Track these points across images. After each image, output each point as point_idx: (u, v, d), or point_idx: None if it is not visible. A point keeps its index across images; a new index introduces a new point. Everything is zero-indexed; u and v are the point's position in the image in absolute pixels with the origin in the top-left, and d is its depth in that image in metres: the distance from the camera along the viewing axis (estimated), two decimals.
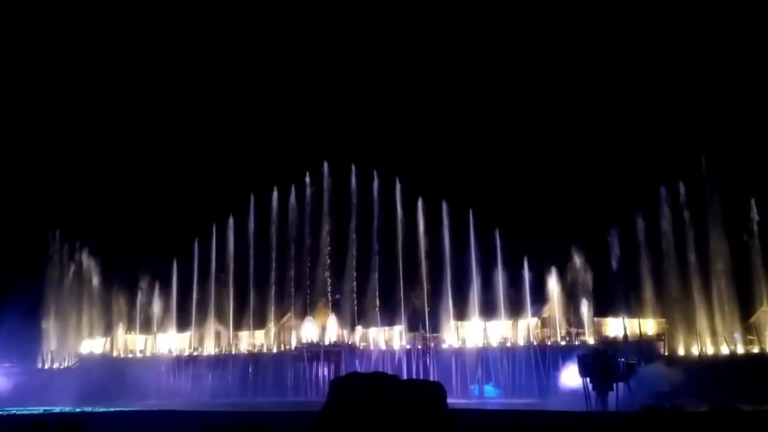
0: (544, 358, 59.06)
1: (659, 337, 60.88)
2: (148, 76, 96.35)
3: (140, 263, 78.34)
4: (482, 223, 67.01)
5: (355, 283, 68.78)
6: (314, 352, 65.59)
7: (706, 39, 77.14)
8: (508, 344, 62.32)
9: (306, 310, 70.15)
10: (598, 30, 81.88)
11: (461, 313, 65.24)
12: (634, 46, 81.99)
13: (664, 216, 63.85)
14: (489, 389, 61.03)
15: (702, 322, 60.86)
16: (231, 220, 76.52)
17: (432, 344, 63.73)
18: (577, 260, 63.62)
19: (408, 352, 64.05)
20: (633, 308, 61.34)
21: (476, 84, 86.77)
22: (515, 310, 64.14)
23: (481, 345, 62.53)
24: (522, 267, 64.33)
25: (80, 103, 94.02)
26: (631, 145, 67.21)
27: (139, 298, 76.78)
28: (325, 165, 73.84)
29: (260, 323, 72.66)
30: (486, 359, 61.51)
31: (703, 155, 63.53)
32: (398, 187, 70.87)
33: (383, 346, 66.08)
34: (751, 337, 60.08)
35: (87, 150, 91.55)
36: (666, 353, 59.13)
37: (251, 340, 72.14)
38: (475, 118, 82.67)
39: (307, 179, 74.28)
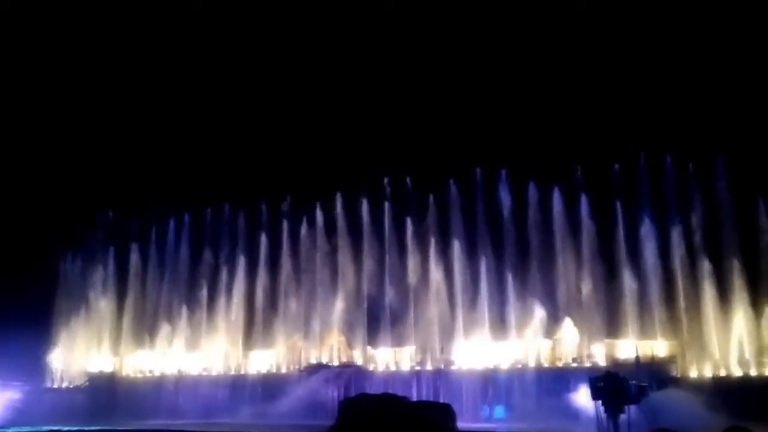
0: (555, 380, 58.46)
1: (671, 359, 60.32)
2: (146, 85, 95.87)
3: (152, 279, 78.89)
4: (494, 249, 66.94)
5: (365, 303, 68.54)
6: (323, 373, 65.19)
7: (718, 37, 75.95)
8: (519, 366, 61.84)
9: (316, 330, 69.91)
10: (601, 31, 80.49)
11: (471, 334, 64.81)
12: (643, 46, 79.98)
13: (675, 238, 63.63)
14: (499, 411, 60.53)
15: (715, 343, 60.35)
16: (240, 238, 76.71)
17: (442, 365, 63.27)
18: (588, 281, 63.48)
19: (418, 374, 63.64)
20: (644, 329, 61.00)
21: (477, 88, 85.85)
22: (526, 331, 63.66)
23: (491, 366, 62.08)
24: (534, 288, 63.93)
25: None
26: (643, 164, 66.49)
27: (149, 316, 76.76)
28: (338, 195, 73.76)
29: (269, 343, 72.28)
30: (496, 381, 61.05)
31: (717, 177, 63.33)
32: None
33: (393, 367, 65.77)
34: (764, 359, 59.41)
35: (98, 162, 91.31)
36: (678, 375, 58.64)
37: (260, 360, 71.69)
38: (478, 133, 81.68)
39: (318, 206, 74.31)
